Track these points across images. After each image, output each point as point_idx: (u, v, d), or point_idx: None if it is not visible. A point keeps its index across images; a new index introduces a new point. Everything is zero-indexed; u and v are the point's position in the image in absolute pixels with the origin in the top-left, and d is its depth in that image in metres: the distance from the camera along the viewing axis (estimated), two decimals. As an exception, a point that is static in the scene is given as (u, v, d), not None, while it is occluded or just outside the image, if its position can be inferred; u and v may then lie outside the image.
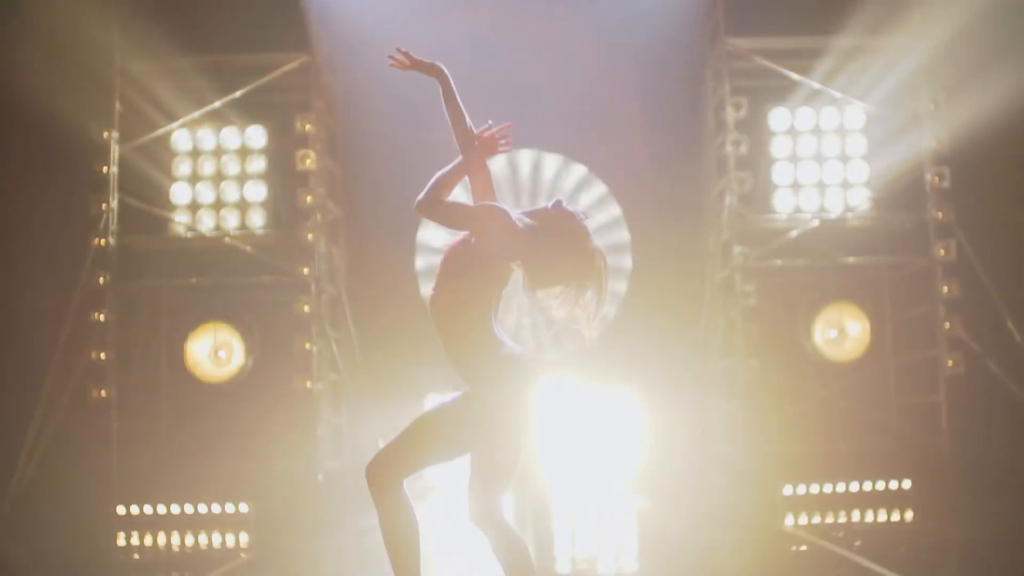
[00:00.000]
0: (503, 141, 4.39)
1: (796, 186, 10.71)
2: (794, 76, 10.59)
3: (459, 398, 4.08)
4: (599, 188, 11.94)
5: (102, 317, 10.16)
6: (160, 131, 10.54)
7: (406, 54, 4.31)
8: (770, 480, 10.08)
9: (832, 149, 10.73)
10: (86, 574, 7.39)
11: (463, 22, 10.53)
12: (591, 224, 4.21)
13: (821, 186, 10.71)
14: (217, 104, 10.49)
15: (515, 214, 4.14)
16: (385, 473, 3.97)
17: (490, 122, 4.40)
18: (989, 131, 9.92)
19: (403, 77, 4.53)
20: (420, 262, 11.78)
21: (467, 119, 4.30)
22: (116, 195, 10.32)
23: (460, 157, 4.29)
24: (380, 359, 11.27)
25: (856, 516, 9.32)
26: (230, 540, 8.59)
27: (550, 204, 4.19)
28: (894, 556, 7.08)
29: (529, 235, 4.11)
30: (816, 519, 9.01)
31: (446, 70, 4.30)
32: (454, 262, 4.12)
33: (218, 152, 10.65)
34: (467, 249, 4.10)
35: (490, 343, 4.06)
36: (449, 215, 4.14)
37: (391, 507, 3.97)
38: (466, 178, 4.35)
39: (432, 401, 10.94)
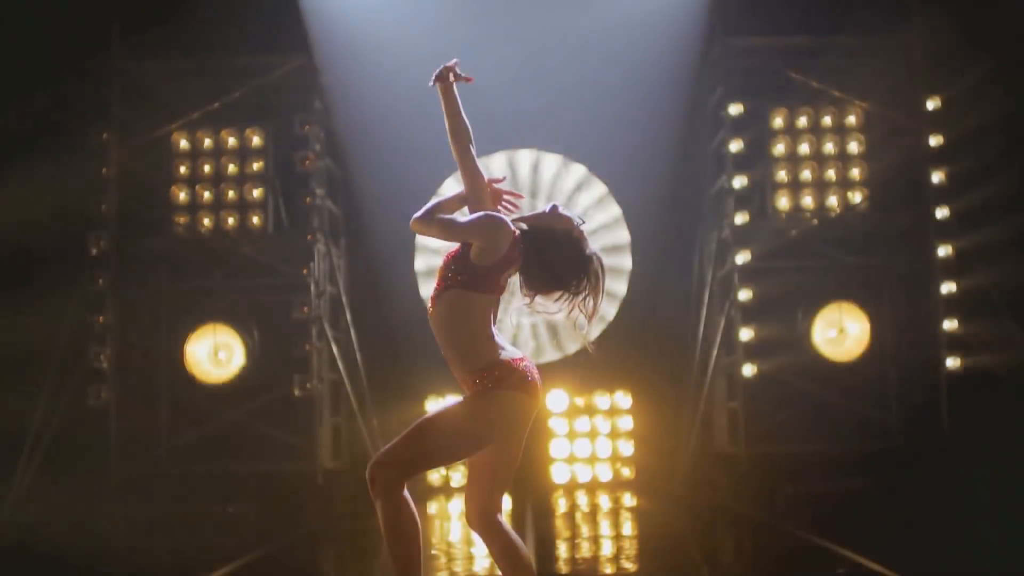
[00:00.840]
0: (509, 206, 4.39)
1: (795, 185, 10.72)
2: (793, 75, 10.59)
3: (460, 403, 4.08)
4: (599, 188, 11.93)
5: (102, 319, 10.16)
6: (159, 132, 10.54)
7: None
8: (770, 480, 10.08)
9: (831, 148, 10.73)
10: (87, 574, 7.39)
11: (461, 21, 10.52)
12: (588, 226, 4.22)
13: (820, 185, 10.71)
14: (216, 105, 10.50)
15: (512, 219, 4.15)
16: (386, 474, 3.97)
17: (504, 177, 4.43)
18: (987, 129, 9.91)
19: (402, 77, 4.54)
20: (420, 262, 11.78)
21: (467, 125, 4.30)
22: (115, 197, 10.33)
23: (459, 191, 4.30)
24: (379, 360, 11.27)
25: (855, 515, 9.30)
26: (230, 540, 8.57)
27: (547, 209, 4.20)
28: (894, 555, 7.07)
29: (526, 241, 4.11)
30: (815, 518, 8.99)
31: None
32: (452, 270, 4.11)
33: (217, 153, 10.66)
34: (465, 256, 4.09)
35: (490, 349, 4.06)
36: (445, 228, 4.14)
37: (392, 508, 3.97)
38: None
39: (431, 403, 10.95)
